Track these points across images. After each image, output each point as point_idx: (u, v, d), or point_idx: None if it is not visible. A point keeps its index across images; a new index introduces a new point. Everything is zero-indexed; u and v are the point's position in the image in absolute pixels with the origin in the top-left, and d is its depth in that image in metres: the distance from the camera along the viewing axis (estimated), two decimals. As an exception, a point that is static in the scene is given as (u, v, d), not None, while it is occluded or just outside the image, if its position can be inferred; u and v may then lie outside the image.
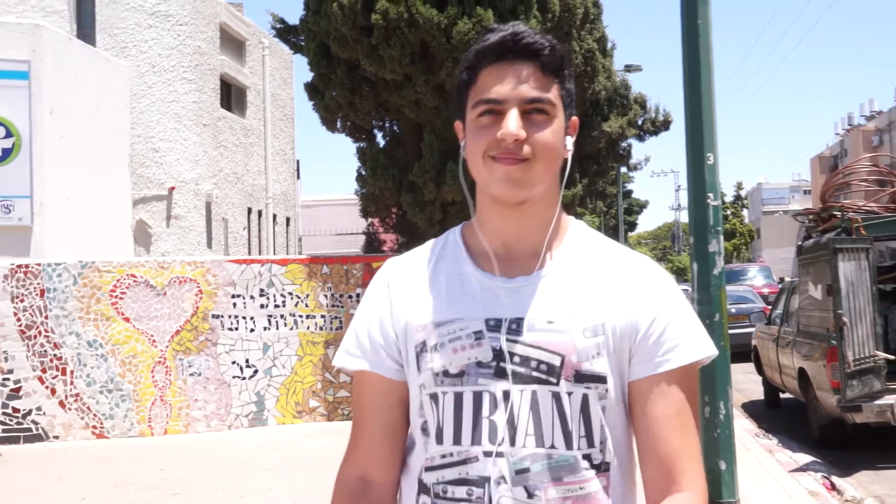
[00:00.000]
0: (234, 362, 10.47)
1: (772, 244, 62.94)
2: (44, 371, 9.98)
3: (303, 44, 14.35)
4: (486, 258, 1.50)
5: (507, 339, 1.43)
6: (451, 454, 1.44)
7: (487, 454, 1.41)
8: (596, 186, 22.59)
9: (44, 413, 9.95)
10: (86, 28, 15.82)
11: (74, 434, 9.99)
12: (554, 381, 1.42)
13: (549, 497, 1.40)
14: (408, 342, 1.50)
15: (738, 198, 69.32)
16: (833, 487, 7.18)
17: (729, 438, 5.92)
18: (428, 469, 1.47)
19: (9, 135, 12.11)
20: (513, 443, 1.41)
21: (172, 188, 16.88)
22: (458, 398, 1.44)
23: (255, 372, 10.51)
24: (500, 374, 1.42)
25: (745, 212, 72.29)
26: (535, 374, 1.42)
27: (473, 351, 1.44)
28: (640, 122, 22.62)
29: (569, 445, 1.42)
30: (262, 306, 10.52)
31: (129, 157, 15.18)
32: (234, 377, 10.47)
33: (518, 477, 1.40)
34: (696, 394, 1.50)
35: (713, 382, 5.94)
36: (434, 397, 1.46)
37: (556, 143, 1.45)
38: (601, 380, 1.43)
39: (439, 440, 1.46)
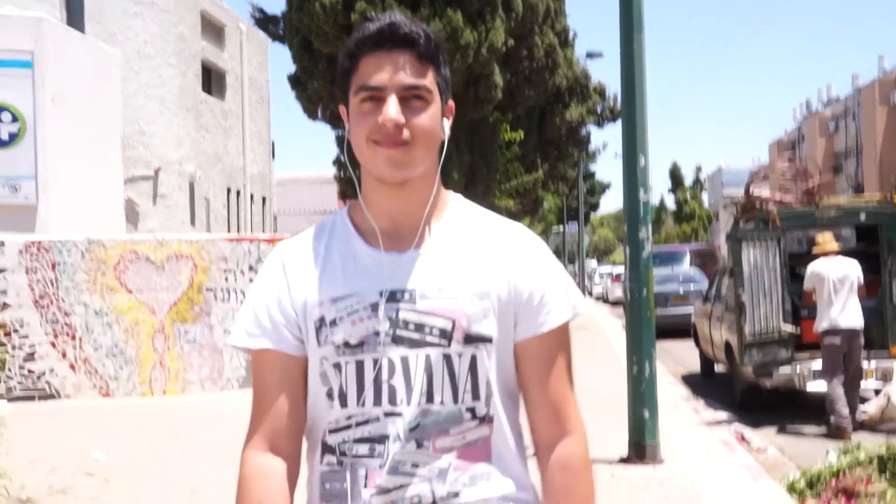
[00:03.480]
0: (226, 331, 11.56)
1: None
2: (56, 337, 11.04)
3: (281, 32, 15.38)
4: (374, 235, 1.60)
5: (402, 308, 1.54)
6: (355, 415, 1.56)
7: (387, 414, 1.54)
8: (557, 171, 23.92)
9: (56, 374, 11.02)
10: (75, 16, 16.72)
11: (83, 394, 11.07)
12: (446, 343, 1.54)
13: (436, 447, 1.54)
14: (307, 318, 1.59)
15: (697, 181, 71.08)
16: (743, 439, 8.53)
17: (652, 392, 7.23)
18: (332, 431, 1.58)
19: (14, 120, 13.12)
20: (409, 403, 1.53)
21: (158, 169, 17.92)
22: (360, 365, 1.55)
23: (245, 340, 11.65)
24: (397, 341, 1.54)
25: (704, 195, 73.90)
26: (428, 338, 1.54)
27: (371, 322, 1.54)
28: (599, 110, 23.90)
29: (455, 399, 1.55)
30: (251, 280, 11.58)
31: (121, 140, 16.18)
32: (226, 344, 11.60)
33: (411, 433, 1.53)
34: (570, 347, 1.66)
35: (640, 346, 7.26)
36: (337, 366, 1.56)
37: (433, 127, 1.55)
38: (488, 340, 1.56)
39: (343, 404, 1.56)
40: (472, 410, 1.56)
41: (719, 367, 12.27)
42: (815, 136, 63.32)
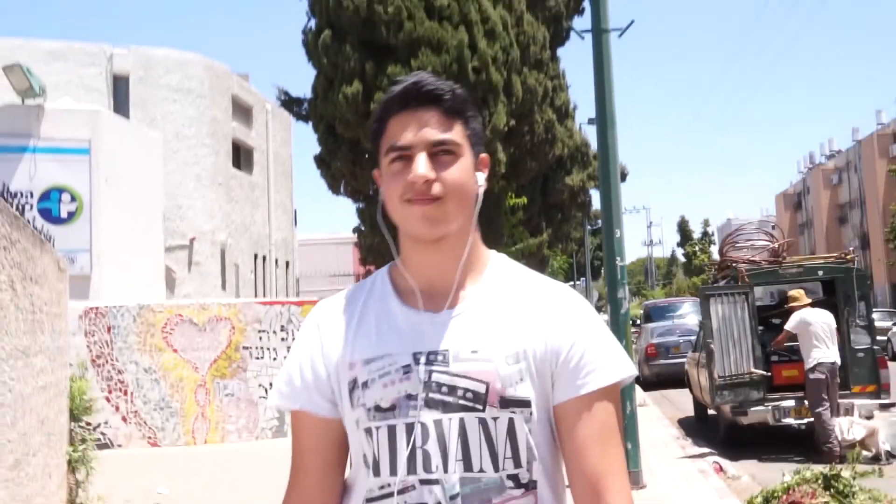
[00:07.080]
0: (260, 385, 12.88)
1: (739, 279, 64.94)
2: (110, 392, 12.39)
3: (304, 113, 16.93)
4: (411, 295, 1.56)
5: (434, 371, 1.49)
6: (389, 484, 1.49)
7: (423, 482, 1.47)
8: (562, 232, 25.25)
9: (110, 426, 12.32)
10: (120, 102, 18.44)
11: (134, 443, 12.36)
12: (480, 407, 1.47)
13: None
14: (340, 380, 1.54)
15: (705, 234, 72.32)
16: (721, 469, 9.71)
17: (633, 426, 8.47)
18: (368, 500, 1.52)
19: (73, 200, 14.79)
20: (445, 469, 1.46)
21: (193, 238, 19.49)
22: (392, 431, 1.49)
23: (278, 393, 12.93)
24: (430, 404, 1.48)
25: (713, 248, 74.95)
26: (461, 402, 1.47)
27: (403, 384, 1.49)
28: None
29: (496, 468, 1.48)
30: (282, 339, 12.97)
31: (163, 214, 17.79)
32: (260, 397, 12.89)
33: (452, 501, 1.46)
34: (618, 411, 1.55)
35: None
36: (368, 431, 1.51)
37: (464, 180, 1.52)
38: (525, 404, 1.49)
39: (376, 472, 1.50)
40: (514, 478, 1.49)
41: (712, 411, 13.31)
42: (819, 188, 64.43)
